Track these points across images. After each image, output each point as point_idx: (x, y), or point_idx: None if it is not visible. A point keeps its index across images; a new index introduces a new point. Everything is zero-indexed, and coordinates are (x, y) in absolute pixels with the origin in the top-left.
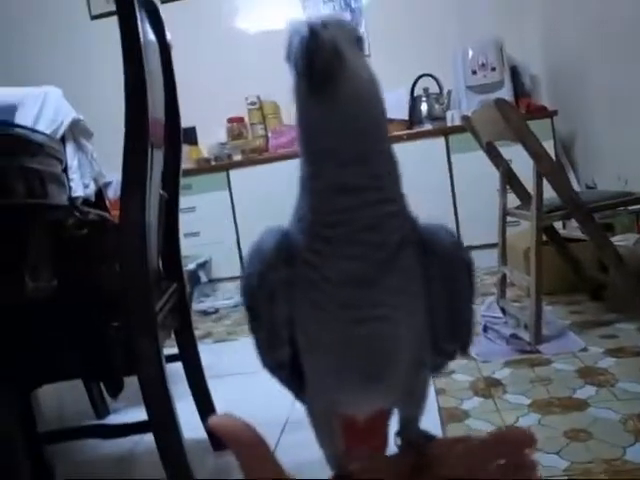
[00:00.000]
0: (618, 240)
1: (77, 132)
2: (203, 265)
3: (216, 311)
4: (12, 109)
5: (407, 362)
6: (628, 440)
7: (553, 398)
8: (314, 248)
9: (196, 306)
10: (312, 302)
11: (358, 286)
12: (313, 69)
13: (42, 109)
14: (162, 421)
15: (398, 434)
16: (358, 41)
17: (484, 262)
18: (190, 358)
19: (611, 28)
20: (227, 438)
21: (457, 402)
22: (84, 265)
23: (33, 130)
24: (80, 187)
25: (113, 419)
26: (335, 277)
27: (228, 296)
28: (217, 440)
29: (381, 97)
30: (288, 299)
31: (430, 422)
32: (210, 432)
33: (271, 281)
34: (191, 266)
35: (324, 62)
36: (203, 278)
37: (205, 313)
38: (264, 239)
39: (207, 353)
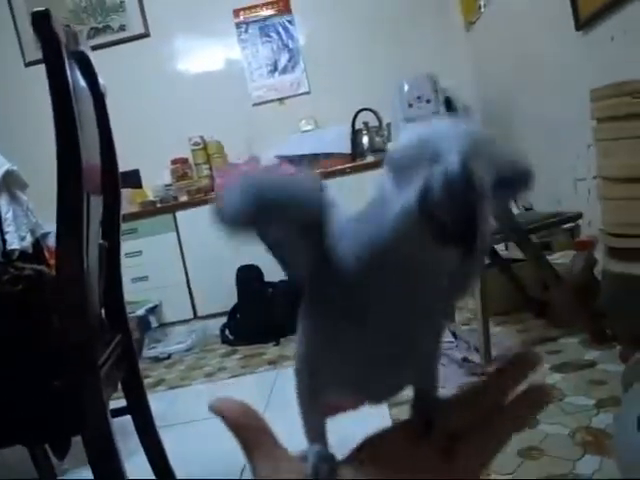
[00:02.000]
0: (556, 258)
1: (11, 183)
2: (153, 310)
3: (168, 356)
4: None
5: (428, 346)
6: (577, 453)
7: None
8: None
9: (147, 352)
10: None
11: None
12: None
13: None
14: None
15: (413, 406)
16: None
17: None
18: (139, 410)
19: (533, 62)
20: (226, 419)
21: None
22: (22, 322)
23: None
24: (16, 239)
25: None
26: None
27: (180, 340)
28: None
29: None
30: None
31: None
32: None
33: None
34: (140, 312)
35: (475, 227)
36: (154, 323)
37: (157, 359)
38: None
39: (160, 401)
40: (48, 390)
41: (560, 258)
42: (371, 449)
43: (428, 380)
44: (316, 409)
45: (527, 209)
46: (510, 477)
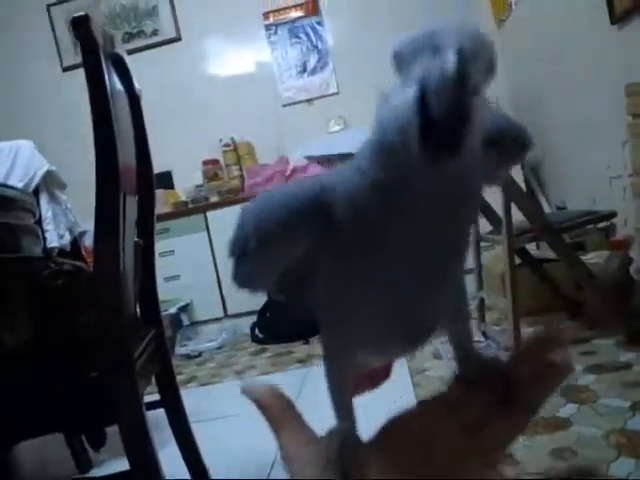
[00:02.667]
0: (590, 258)
1: (50, 183)
2: (184, 308)
3: (199, 354)
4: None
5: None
6: (612, 455)
7: (537, 418)
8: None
9: (179, 350)
10: (369, 264)
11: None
12: (451, 135)
13: (14, 163)
14: (144, 470)
15: (457, 359)
16: (491, 68)
17: None
18: (172, 403)
19: (565, 59)
20: (256, 402)
21: None
22: (61, 315)
23: (5, 185)
24: (55, 238)
25: (96, 472)
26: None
27: (211, 338)
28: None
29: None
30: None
31: None
32: (195, 476)
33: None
34: (172, 310)
35: (464, 129)
36: (185, 321)
37: (188, 357)
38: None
39: (192, 398)
40: (85, 381)
41: (594, 258)
42: (395, 429)
43: (462, 322)
44: (345, 384)
45: (560, 208)
46: (542, 477)
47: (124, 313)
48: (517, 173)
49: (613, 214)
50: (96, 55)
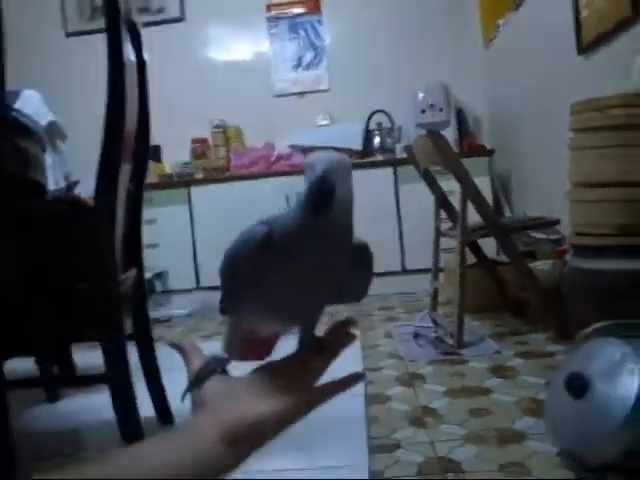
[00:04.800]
0: (537, 264)
1: (53, 133)
2: (159, 275)
3: (169, 320)
4: (14, 95)
5: (318, 309)
6: (519, 415)
7: (464, 387)
8: (294, 246)
9: (150, 314)
10: (282, 272)
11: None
12: (320, 205)
13: (22, 109)
14: (117, 373)
15: (300, 341)
16: (349, 171)
17: (425, 285)
18: (143, 336)
19: (540, 82)
20: (178, 347)
21: (381, 389)
22: (61, 237)
23: (26, 116)
24: (52, 184)
25: (64, 404)
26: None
27: (181, 306)
28: (163, 415)
29: (351, 202)
30: (261, 266)
31: (354, 404)
32: (158, 408)
33: (258, 255)
34: (148, 275)
35: (328, 203)
36: (158, 287)
37: (158, 321)
38: (255, 230)
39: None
40: (75, 291)
41: (541, 265)
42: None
43: (310, 328)
44: (233, 342)
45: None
46: (456, 427)
47: (114, 239)
48: (485, 181)
49: (557, 221)
50: (117, 27)
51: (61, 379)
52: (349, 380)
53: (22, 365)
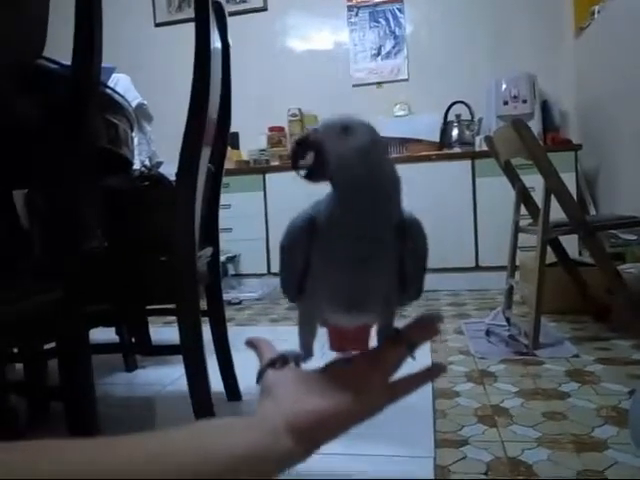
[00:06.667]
0: (627, 267)
1: (140, 115)
2: (232, 259)
3: (239, 302)
4: (109, 71)
5: (381, 297)
6: (598, 422)
7: (539, 389)
8: (332, 227)
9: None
10: (327, 254)
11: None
12: (298, 164)
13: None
14: (191, 345)
15: (378, 335)
16: (345, 129)
17: (498, 283)
18: (216, 313)
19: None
20: (253, 344)
21: (450, 385)
22: (144, 211)
23: (118, 93)
24: (137, 163)
25: (140, 374)
26: (342, 246)
27: (252, 290)
28: (232, 392)
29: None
30: (308, 251)
31: (421, 396)
32: (227, 385)
33: (301, 241)
34: (221, 259)
35: (319, 166)
36: (231, 271)
37: (229, 303)
38: (300, 217)
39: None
40: (157, 263)
41: (631, 268)
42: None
43: (385, 320)
44: (306, 332)
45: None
46: (530, 429)
47: (193, 216)
48: (570, 177)
49: None
50: (206, 16)
51: (138, 348)
52: (429, 373)
53: (104, 336)
